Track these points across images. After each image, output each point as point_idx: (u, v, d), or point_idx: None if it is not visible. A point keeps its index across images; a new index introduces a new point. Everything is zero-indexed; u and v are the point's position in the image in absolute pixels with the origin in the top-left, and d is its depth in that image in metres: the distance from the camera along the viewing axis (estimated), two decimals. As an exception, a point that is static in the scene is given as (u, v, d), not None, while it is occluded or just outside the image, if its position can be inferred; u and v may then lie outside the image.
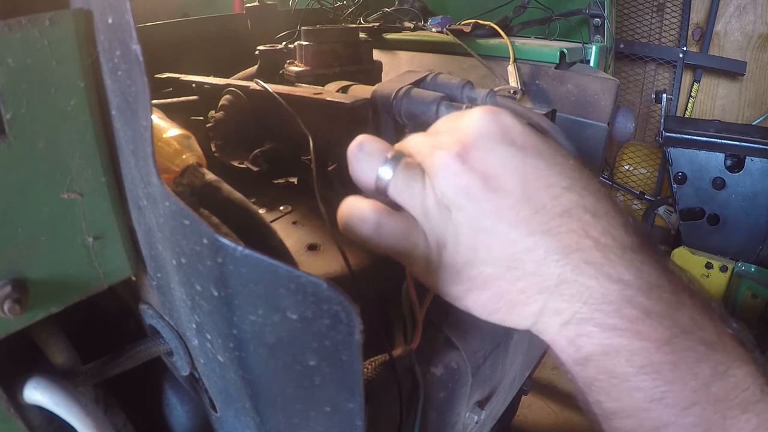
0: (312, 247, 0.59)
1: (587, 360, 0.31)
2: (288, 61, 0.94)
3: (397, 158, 0.35)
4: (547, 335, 0.33)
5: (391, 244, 0.34)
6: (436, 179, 0.33)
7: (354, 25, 1.26)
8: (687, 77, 2.68)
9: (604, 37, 1.36)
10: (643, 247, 0.31)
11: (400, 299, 0.53)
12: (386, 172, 0.34)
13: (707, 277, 2.01)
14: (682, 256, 2.05)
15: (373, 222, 0.34)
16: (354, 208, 0.35)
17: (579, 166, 0.33)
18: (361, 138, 0.36)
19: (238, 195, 0.40)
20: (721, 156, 1.91)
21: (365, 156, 0.36)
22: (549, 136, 0.62)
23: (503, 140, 0.32)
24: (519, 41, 1.04)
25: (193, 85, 0.85)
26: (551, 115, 0.92)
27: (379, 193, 0.35)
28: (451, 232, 0.33)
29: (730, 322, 0.32)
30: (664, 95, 2.07)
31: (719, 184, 1.94)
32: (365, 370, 0.46)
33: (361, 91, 0.76)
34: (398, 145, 0.37)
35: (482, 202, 0.31)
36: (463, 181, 0.32)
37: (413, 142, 0.36)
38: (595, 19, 1.35)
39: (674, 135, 1.97)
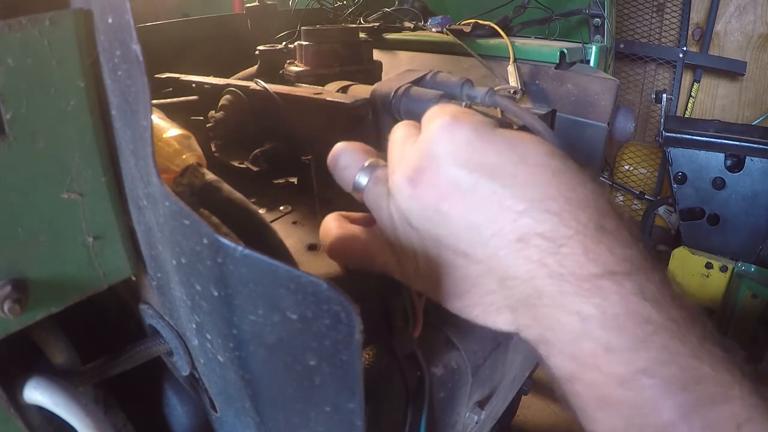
0: (312, 247, 0.59)
1: (558, 378, 0.31)
2: (288, 61, 0.94)
3: (372, 168, 0.36)
4: (530, 344, 0.32)
5: (357, 263, 0.37)
6: (394, 200, 0.34)
7: (354, 25, 1.26)
8: (687, 77, 2.68)
9: (604, 37, 1.36)
10: (624, 265, 0.28)
11: (400, 288, 0.53)
12: (362, 180, 0.36)
13: (707, 277, 2.00)
14: (682, 256, 2.04)
15: (338, 244, 0.37)
16: (323, 227, 0.38)
17: (554, 176, 0.30)
18: (338, 150, 0.38)
19: (238, 195, 0.40)
20: (721, 156, 1.91)
21: (341, 169, 0.37)
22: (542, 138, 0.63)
23: (456, 161, 0.31)
24: (519, 41, 1.04)
25: (193, 85, 0.85)
26: (551, 115, 0.92)
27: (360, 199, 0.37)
28: (416, 247, 0.33)
29: (721, 340, 0.29)
30: (664, 95, 2.07)
31: (719, 184, 1.94)
32: (365, 356, 0.46)
33: (361, 91, 0.76)
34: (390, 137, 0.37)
35: (437, 226, 0.31)
36: (415, 206, 0.32)
37: (392, 146, 0.36)
38: (595, 19, 1.35)
39: (674, 135, 1.97)
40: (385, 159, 0.37)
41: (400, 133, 0.36)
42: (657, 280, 0.29)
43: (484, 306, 0.32)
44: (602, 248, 0.28)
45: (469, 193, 0.30)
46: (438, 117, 0.32)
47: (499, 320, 0.32)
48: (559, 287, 0.28)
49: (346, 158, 0.37)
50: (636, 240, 0.30)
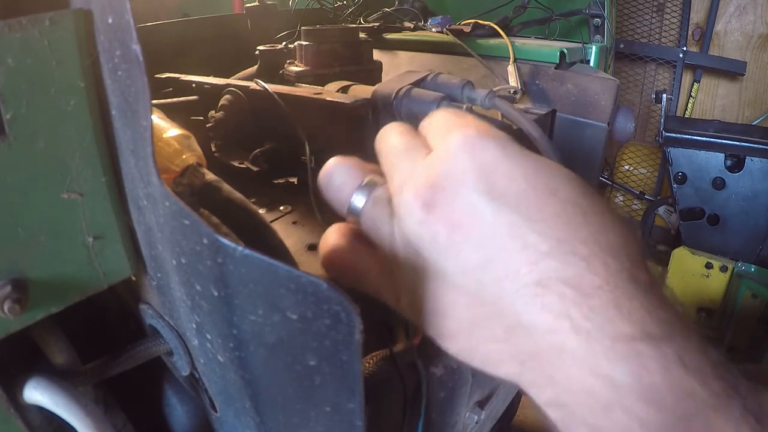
0: (312, 247, 0.59)
1: None
2: (288, 61, 0.94)
3: (370, 187, 0.31)
4: (537, 404, 0.27)
5: (349, 280, 0.32)
6: (402, 223, 0.29)
7: (354, 25, 1.26)
8: (687, 77, 2.68)
9: (604, 37, 1.36)
10: (663, 327, 0.25)
11: None
12: (358, 201, 0.32)
13: (707, 277, 2.00)
14: (682, 256, 2.04)
15: (332, 256, 0.32)
16: (324, 235, 0.33)
17: (585, 216, 0.26)
18: (330, 167, 0.33)
19: (238, 195, 0.40)
20: (721, 156, 1.91)
21: (334, 189, 0.32)
22: (537, 145, 0.63)
23: (477, 185, 0.26)
24: (519, 41, 1.04)
25: (193, 85, 0.85)
26: (551, 115, 0.92)
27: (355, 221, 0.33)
28: (418, 276, 0.29)
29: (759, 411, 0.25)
30: (664, 95, 2.07)
31: (719, 184, 1.94)
32: (366, 365, 0.46)
33: (361, 91, 0.76)
34: (379, 146, 0.33)
35: (446, 258, 0.27)
36: (426, 232, 0.28)
37: (389, 156, 0.32)
38: (595, 19, 1.35)
39: (674, 135, 1.97)
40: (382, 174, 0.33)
41: (397, 141, 0.32)
42: (696, 346, 0.25)
43: (486, 353, 0.28)
44: (636, 305, 0.24)
45: (488, 224, 0.26)
46: (458, 130, 0.28)
47: (501, 371, 0.28)
48: (587, 345, 0.24)
49: (340, 176, 0.32)
50: (669, 299, 0.26)
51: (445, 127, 0.30)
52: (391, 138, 0.33)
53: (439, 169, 0.28)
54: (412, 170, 0.29)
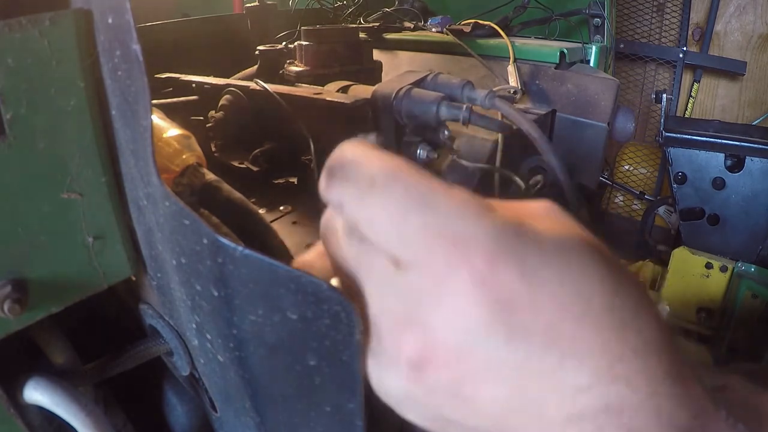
0: (312, 247, 0.59)
1: None
2: (288, 61, 0.94)
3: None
4: None
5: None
6: (380, 373, 0.24)
7: (354, 25, 1.26)
8: (687, 77, 2.68)
9: (604, 37, 1.36)
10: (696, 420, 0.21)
11: None
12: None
13: (707, 277, 2.00)
14: (682, 256, 2.04)
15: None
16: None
17: (623, 323, 0.21)
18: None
19: (238, 195, 0.40)
20: (721, 156, 1.91)
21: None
22: (537, 145, 0.63)
23: (493, 326, 0.20)
24: (519, 41, 1.04)
25: (193, 85, 0.85)
26: (551, 115, 0.92)
27: None
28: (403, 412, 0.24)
29: None
30: (664, 95, 2.07)
31: (719, 184, 1.94)
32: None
33: (361, 91, 0.76)
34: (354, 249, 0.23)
35: (451, 411, 0.22)
36: (418, 391, 0.22)
37: (344, 266, 0.24)
38: (595, 19, 1.35)
39: (674, 135, 1.97)
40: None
41: (346, 247, 0.23)
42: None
43: None
44: (675, 404, 0.21)
45: (513, 371, 0.20)
46: (462, 264, 0.19)
47: None
48: None
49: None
50: (695, 371, 0.23)
51: (421, 230, 0.20)
52: (336, 241, 0.24)
53: (442, 323, 0.20)
54: (382, 304, 0.22)
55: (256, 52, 0.99)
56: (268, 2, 1.25)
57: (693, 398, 0.22)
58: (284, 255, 0.42)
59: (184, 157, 0.41)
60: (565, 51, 0.96)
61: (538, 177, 0.75)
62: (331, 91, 0.76)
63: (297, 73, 0.88)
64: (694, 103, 2.68)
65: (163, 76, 0.90)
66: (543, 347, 0.20)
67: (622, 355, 0.20)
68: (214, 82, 0.82)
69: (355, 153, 0.22)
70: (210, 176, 0.40)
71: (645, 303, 0.22)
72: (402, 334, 0.21)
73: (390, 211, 0.20)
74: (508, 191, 0.74)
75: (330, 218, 0.25)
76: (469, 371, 0.20)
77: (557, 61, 0.96)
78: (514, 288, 0.19)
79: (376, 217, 0.21)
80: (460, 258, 0.19)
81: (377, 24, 1.23)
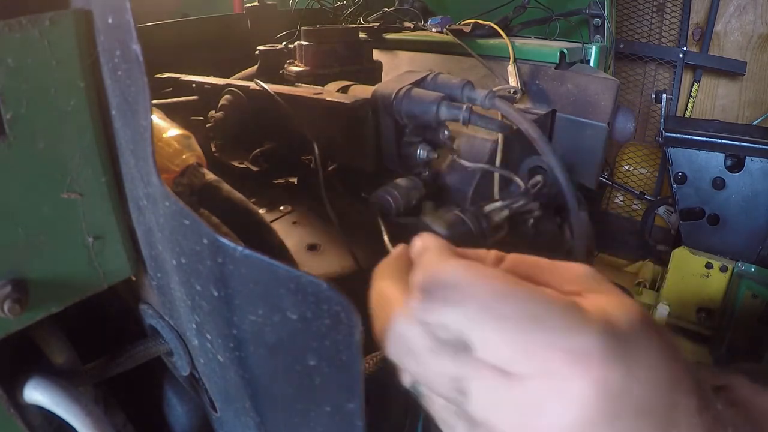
0: (312, 247, 0.59)
1: None
2: (288, 61, 0.94)
3: None
4: None
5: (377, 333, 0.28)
6: None
7: (354, 25, 1.26)
8: (687, 77, 2.68)
9: (604, 37, 1.36)
10: None
11: None
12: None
13: (707, 277, 2.00)
14: (682, 256, 2.04)
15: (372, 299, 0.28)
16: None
17: (679, 380, 0.24)
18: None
19: (238, 195, 0.40)
20: (721, 156, 1.91)
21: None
22: (536, 146, 0.63)
23: (609, 416, 0.23)
24: (519, 41, 1.04)
25: (193, 85, 0.85)
26: (551, 115, 0.92)
27: None
28: None
29: None
30: (664, 95, 2.07)
31: (719, 184, 1.94)
32: (366, 365, 0.46)
33: (361, 91, 0.76)
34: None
35: None
36: None
37: (421, 370, 0.26)
38: (595, 19, 1.35)
39: (674, 135, 1.97)
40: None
41: (420, 342, 0.25)
42: None
43: None
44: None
45: None
46: (582, 373, 0.22)
47: None
48: None
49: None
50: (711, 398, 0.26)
51: (536, 346, 0.23)
52: (408, 332, 0.26)
53: (561, 421, 0.22)
54: (496, 409, 0.24)
55: (256, 52, 0.99)
56: (268, 2, 1.25)
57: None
58: (284, 255, 0.42)
59: (184, 157, 0.41)
60: (565, 51, 0.96)
61: (538, 177, 0.75)
62: (331, 91, 0.76)
63: (297, 73, 0.88)
64: (694, 103, 2.68)
65: (163, 76, 0.90)
66: (648, 418, 0.23)
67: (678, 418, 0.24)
68: (214, 82, 0.82)
69: (451, 273, 0.25)
70: (210, 176, 0.40)
71: (684, 359, 0.25)
72: None
73: (505, 333, 0.23)
74: (508, 191, 0.74)
75: (406, 338, 0.26)
76: None
77: (557, 61, 0.96)
78: (623, 385, 0.23)
79: (491, 337, 0.23)
80: (580, 369, 0.22)
81: (377, 24, 1.23)
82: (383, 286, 0.28)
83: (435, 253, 0.27)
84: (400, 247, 0.31)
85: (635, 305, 0.25)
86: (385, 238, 0.54)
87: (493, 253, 0.29)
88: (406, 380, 0.28)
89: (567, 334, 0.23)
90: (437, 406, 0.27)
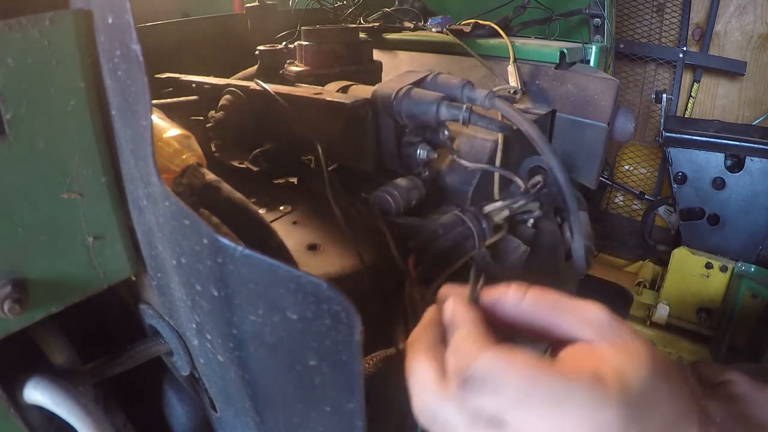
0: (312, 247, 0.59)
1: None
2: (288, 61, 0.94)
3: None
4: None
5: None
6: None
7: (354, 25, 1.26)
8: (687, 77, 2.68)
9: (604, 37, 1.36)
10: None
11: (402, 296, 0.54)
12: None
13: (707, 277, 2.00)
14: (682, 256, 2.04)
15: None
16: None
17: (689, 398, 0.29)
18: (411, 364, 0.31)
19: (238, 195, 0.40)
20: (721, 156, 1.91)
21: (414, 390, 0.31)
22: (536, 146, 0.63)
23: None
24: (519, 41, 1.04)
25: (193, 85, 0.85)
26: (551, 115, 0.92)
27: None
28: None
29: None
30: (664, 95, 2.07)
31: (719, 184, 1.94)
32: (366, 365, 0.46)
33: (361, 91, 0.76)
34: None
35: None
36: None
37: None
38: (595, 19, 1.35)
39: (674, 135, 1.97)
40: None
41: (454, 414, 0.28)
42: None
43: None
44: None
45: None
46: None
47: None
48: None
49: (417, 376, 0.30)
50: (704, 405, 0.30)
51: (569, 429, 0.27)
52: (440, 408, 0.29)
53: None
54: None
55: (256, 52, 0.99)
56: (268, 2, 1.25)
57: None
58: (284, 255, 0.42)
59: (184, 157, 0.40)
60: (565, 51, 0.96)
61: (538, 177, 0.75)
62: (331, 91, 0.76)
63: (297, 73, 0.88)
64: (694, 103, 2.68)
65: (163, 76, 0.90)
66: None
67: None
68: (214, 82, 0.82)
69: (488, 365, 0.28)
70: (210, 176, 0.40)
71: (683, 377, 0.29)
72: None
73: (537, 416, 0.26)
74: (508, 191, 0.74)
75: (443, 418, 0.28)
76: None
77: (557, 61, 0.96)
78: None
79: (525, 420, 0.26)
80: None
81: (377, 24, 1.23)
82: (419, 362, 0.30)
83: (469, 336, 0.29)
84: (431, 312, 0.33)
85: (646, 353, 0.28)
86: (392, 246, 0.54)
87: (514, 289, 0.31)
88: None
89: (590, 412, 0.26)
90: None
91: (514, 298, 0.32)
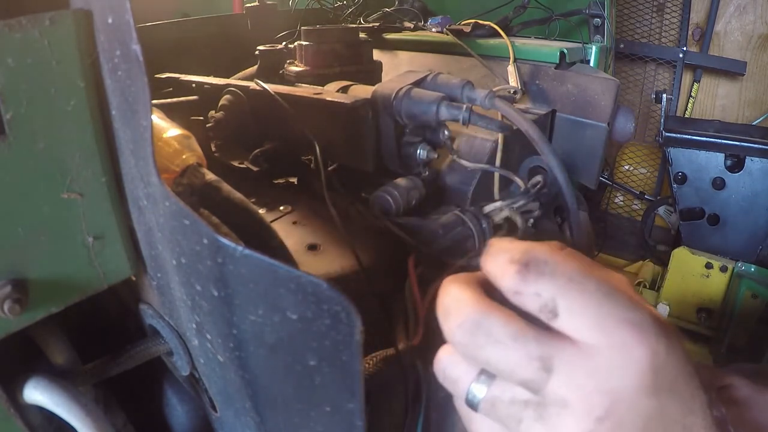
0: (312, 247, 0.59)
1: None
2: (288, 61, 0.94)
3: (487, 380, 0.29)
4: None
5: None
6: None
7: (354, 25, 1.26)
8: (687, 77, 2.68)
9: (604, 37, 1.36)
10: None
11: (402, 295, 0.53)
12: (478, 392, 0.30)
13: (707, 277, 2.00)
14: (682, 256, 2.04)
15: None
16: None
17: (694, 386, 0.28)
18: (440, 359, 0.31)
19: (238, 195, 0.40)
20: (721, 156, 1.91)
21: (451, 383, 0.31)
22: (536, 146, 0.63)
23: (653, 384, 0.27)
24: (519, 41, 1.04)
25: (193, 85, 0.85)
26: (551, 115, 0.92)
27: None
28: None
29: None
30: (664, 95, 2.07)
31: (719, 184, 1.94)
32: (367, 365, 0.46)
33: (361, 91, 0.76)
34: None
35: None
36: None
37: (499, 350, 0.28)
38: (595, 19, 1.35)
39: (674, 135, 1.97)
40: None
41: (497, 323, 0.28)
42: None
43: None
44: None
45: (659, 417, 0.27)
46: (642, 343, 0.27)
47: None
48: None
49: (453, 370, 0.31)
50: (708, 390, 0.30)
51: (610, 318, 0.27)
52: (482, 317, 0.28)
53: (622, 383, 0.26)
54: (572, 376, 0.27)
55: (256, 52, 0.99)
56: (268, 2, 1.25)
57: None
58: (284, 255, 0.42)
59: (184, 157, 0.41)
60: (565, 51, 0.96)
61: (538, 177, 0.75)
62: (331, 91, 0.76)
63: (297, 73, 0.88)
64: (694, 103, 2.68)
65: (163, 76, 0.90)
66: (676, 398, 0.27)
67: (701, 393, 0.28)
68: (214, 82, 0.82)
69: (546, 251, 0.28)
70: (210, 176, 0.40)
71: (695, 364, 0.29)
72: (592, 399, 0.26)
73: (585, 303, 0.27)
74: (508, 191, 0.74)
75: (490, 328, 0.28)
76: (634, 418, 0.27)
77: (557, 61, 0.96)
78: (665, 360, 0.27)
79: (574, 307, 0.27)
80: (639, 338, 0.27)
81: (377, 24, 1.23)
82: (457, 288, 0.30)
83: (519, 242, 0.30)
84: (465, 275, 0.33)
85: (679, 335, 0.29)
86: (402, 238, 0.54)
87: (555, 244, 0.31)
88: (461, 389, 0.30)
89: (631, 310, 0.27)
90: (503, 405, 0.29)
91: (557, 247, 0.31)
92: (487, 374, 0.29)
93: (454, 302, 0.29)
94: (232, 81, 0.83)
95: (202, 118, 0.79)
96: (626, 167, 2.76)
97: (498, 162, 0.73)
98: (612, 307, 0.27)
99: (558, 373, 0.27)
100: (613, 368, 0.26)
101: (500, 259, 0.29)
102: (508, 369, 0.27)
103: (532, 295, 0.28)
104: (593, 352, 0.27)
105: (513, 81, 0.95)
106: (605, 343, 0.27)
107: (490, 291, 0.30)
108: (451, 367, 0.31)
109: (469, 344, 0.28)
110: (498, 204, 0.66)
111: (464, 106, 0.63)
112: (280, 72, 0.93)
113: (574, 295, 0.27)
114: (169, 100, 0.80)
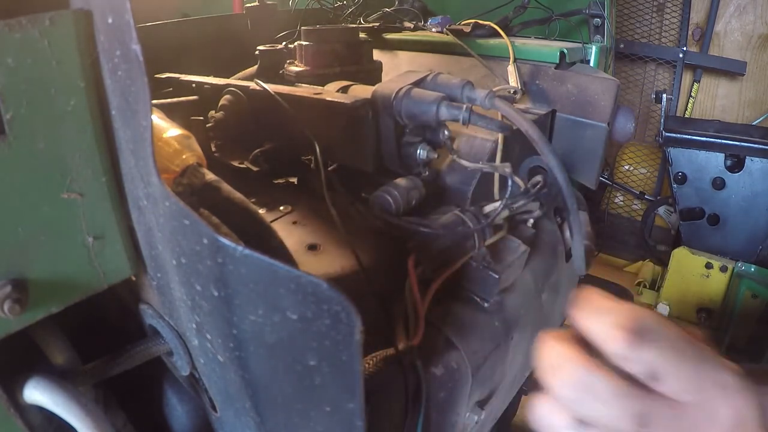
0: (312, 247, 0.59)
1: None
2: (288, 61, 0.94)
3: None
4: None
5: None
6: None
7: (354, 25, 1.26)
8: (687, 77, 2.68)
9: (604, 37, 1.36)
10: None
11: (402, 296, 0.54)
12: None
13: (707, 277, 2.00)
14: (682, 256, 2.04)
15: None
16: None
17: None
18: (538, 410, 0.33)
19: (238, 195, 0.40)
20: (721, 156, 1.91)
21: (546, 426, 0.33)
22: (536, 146, 0.63)
23: None
24: (519, 41, 1.04)
25: (193, 85, 0.85)
26: (551, 115, 0.92)
27: None
28: None
29: None
30: (664, 95, 2.07)
31: (719, 184, 1.94)
32: (367, 365, 0.46)
33: (361, 91, 0.76)
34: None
35: None
36: None
37: (605, 408, 0.30)
38: (595, 19, 1.35)
39: (674, 135, 1.97)
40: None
41: (602, 383, 0.30)
42: None
43: None
44: None
45: None
46: (729, 403, 0.30)
47: None
48: None
49: (547, 418, 0.33)
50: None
51: (704, 381, 0.30)
52: (588, 377, 0.31)
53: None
54: (666, 428, 0.30)
55: (256, 52, 0.99)
56: (268, 2, 1.25)
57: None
58: (284, 255, 0.42)
59: (184, 157, 0.41)
60: (565, 51, 0.96)
61: (538, 177, 0.75)
62: (331, 91, 0.76)
63: (297, 73, 0.88)
64: (694, 103, 2.68)
65: (163, 76, 0.90)
66: None
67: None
68: (214, 82, 0.82)
69: (652, 319, 0.31)
70: (210, 176, 0.40)
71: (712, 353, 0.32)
72: None
73: (684, 368, 0.30)
74: (508, 191, 0.74)
75: (595, 385, 0.30)
76: None
77: (557, 61, 0.96)
78: (744, 413, 0.30)
79: (674, 372, 0.30)
80: (726, 399, 0.30)
81: (377, 24, 1.23)
82: (560, 346, 0.32)
83: (616, 302, 0.32)
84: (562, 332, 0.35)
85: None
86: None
87: (647, 311, 0.33)
88: None
89: (720, 372, 0.30)
90: None
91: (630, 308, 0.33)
92: (582, 424, 0.31)
93: (561, 360, 0.32)
94: (232, 81, 0.83)
95: (202, 118, 0.79)
96: (626, 167, 2.76)
97: (498, 162, 0.73)
98: (705, 370, 0.30)
99: (654, 428, 0.29)
100: (702, 424, 0.29)
101: (605, 322, 0.31)
102: (608, 423, 0.30)
103: (638, 361, 0.30)
104: (687, 409, 0.29)
105: (513, 81, 0.95)
106: (698, 402, 0.30)
107: (585, 345, 0.32)
108: (549, 415, 0.32)
109: (575, 399, 0.31)
110: (498, 204, 0.66)
111: (464, 106, 0.63)
112: (280, 72, 0.93)
113: (676, 363, 0.30)
114: (169, 100, 0.80)
